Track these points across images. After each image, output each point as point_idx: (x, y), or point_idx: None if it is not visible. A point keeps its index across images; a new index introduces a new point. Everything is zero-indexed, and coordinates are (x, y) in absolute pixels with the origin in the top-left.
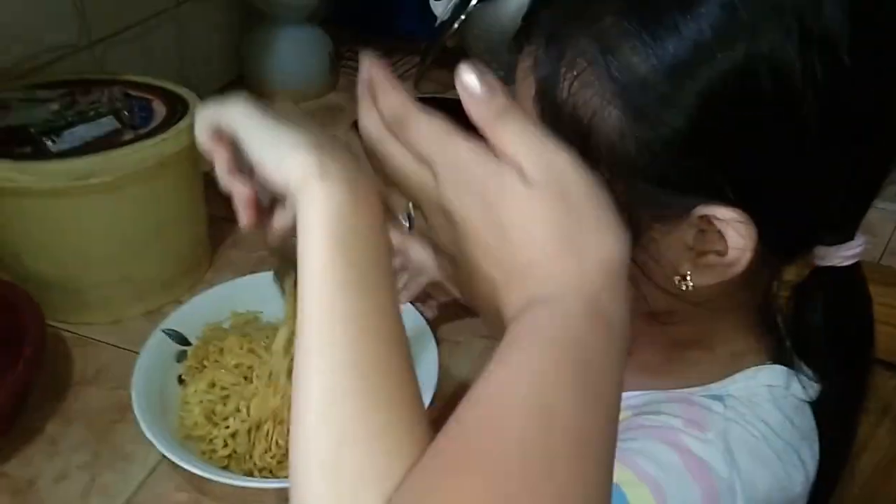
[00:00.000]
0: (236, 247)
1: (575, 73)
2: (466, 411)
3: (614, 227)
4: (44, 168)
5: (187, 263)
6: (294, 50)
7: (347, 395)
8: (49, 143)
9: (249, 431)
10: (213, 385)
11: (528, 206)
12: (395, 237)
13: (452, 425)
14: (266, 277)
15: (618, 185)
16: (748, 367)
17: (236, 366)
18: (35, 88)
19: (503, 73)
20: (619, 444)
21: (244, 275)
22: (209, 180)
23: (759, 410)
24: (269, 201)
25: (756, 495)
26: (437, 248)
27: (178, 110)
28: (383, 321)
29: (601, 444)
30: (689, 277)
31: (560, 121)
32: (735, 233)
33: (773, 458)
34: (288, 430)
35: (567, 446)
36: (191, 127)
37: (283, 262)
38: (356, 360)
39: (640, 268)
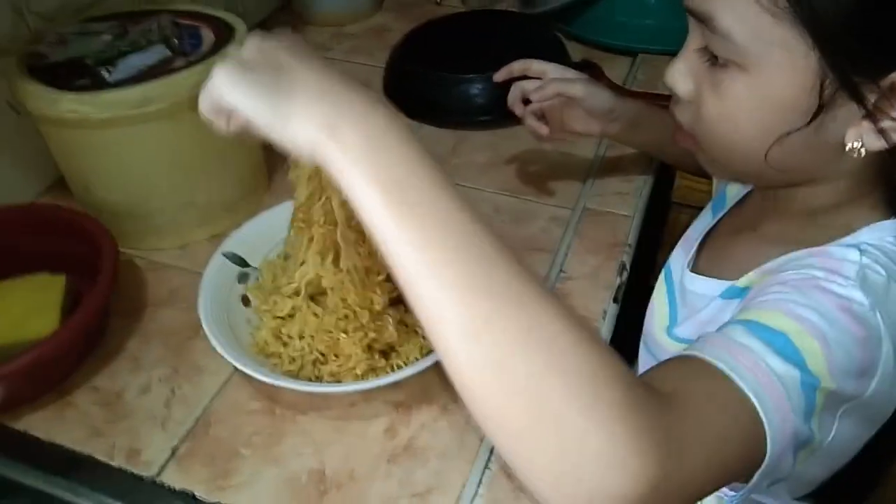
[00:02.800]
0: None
1: None
2: None
3: None
4: (103, 98)
5: (247, 187)
6: None
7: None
8: (105, 73)
9: (315, 362)
10: (275, 305)
11: None
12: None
13: None
14: None
15: (816, 52)
16: (871, 223)
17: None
18: (88, 22)
19: None
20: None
21: None
22: None
23: (891, 254)
24: None
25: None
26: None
27: (226, 36)
28: (459, 209)
29: None
30: (862, 142)
31: None
32: None
33: None
34: (341, 339)
35: None
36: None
37: None
38: (476, 254)
39: (809, 139)
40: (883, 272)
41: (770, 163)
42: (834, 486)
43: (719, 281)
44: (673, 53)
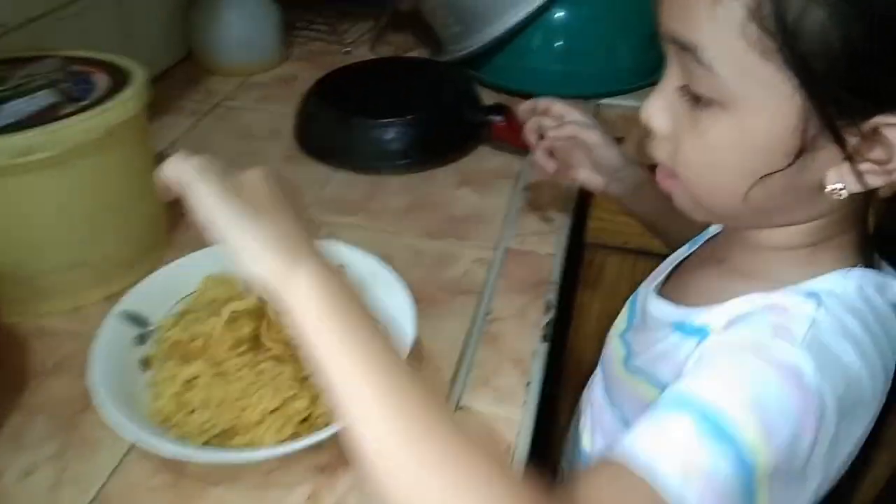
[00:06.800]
0: (194, 225)
1: None
2: None
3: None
4: None
5: (146, 243)
6: (242, 21)
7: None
8: None
9: (223, 434)
10: (176, 375)
11: None
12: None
13: None
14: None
15: (802, 94)
16: (840, 268)
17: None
18: None
19: (460, 29)
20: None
21: None
22: (161, 158)
23: (851, 307)
24: None
25: (841, 392)
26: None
27: (122, 81)
28: (388, 352)
29: None
30: (844, 184)
31: (766, 29)
32: None
33: (858, 356)
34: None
35: None
36: (137, 97)
37: None
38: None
39: (790, 180)
40: (836, 327)
41: (749, 203)
42: None
43: (677, 307)
44: (581, 97)
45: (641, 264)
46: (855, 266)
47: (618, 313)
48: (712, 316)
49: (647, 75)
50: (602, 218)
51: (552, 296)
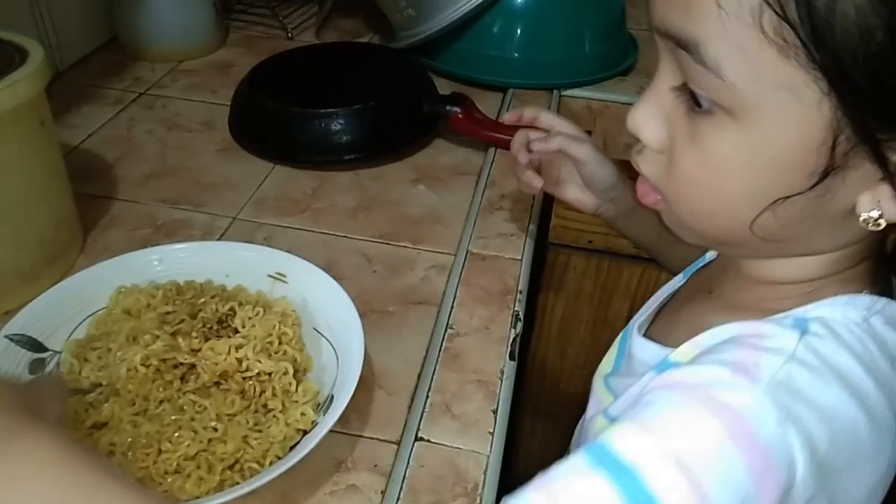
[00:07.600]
0: (114, 227)
1: None
2: None
3: None
4: None
5: (52, 250)
6: (172, 2)
7: None
8: None
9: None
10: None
11: None
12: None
13: None
14: (141, 255)
15: (832, 100)
16: (843, 294)
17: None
18: None
19: (413, 13)
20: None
21: None
22: (71, 154)
23: (846, 342)
24: None
25: (824, 447)
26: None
27: (15, 61)
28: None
29: None
30: (881, 211)
31: (787, 18)
32: None
33: (852, 399)
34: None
35: None
36: (31, 78)
37: None
38: None
39: (811, 205)
40: (822, 365)
41: (756, 232)
42: None
43: (663, 348)
44: (543, 87)
45: (607, 265)
46: (862, 291)
47: (582, 317)
48: (683, 349)
49: (613, 65)
50: (565, 216)
51: (520, 307)
